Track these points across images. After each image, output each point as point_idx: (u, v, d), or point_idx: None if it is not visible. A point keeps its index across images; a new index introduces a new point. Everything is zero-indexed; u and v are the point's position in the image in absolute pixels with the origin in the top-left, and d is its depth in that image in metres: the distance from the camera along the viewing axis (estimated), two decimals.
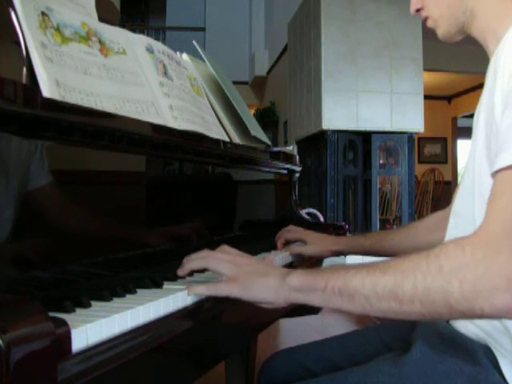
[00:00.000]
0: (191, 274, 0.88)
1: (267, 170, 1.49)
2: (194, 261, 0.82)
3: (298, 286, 0.74)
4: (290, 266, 1.21)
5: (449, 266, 0.61)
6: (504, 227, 0.60)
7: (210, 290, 0.77)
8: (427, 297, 0.61)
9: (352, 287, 0.68)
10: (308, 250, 1.24)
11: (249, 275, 0.78)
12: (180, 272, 0.83)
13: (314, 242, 1.24)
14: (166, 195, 1.01)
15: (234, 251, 0.84)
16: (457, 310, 0.60)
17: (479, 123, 0.79)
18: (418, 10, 0.91)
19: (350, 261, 1.39)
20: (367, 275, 0.67)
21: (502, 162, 0.65)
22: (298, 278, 0.74)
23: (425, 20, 0.91)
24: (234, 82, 1.61)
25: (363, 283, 0.66)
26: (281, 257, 1.18)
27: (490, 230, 0.61)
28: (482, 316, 0.61)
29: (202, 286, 0.77)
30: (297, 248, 1.26)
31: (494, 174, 0.66)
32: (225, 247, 0.85)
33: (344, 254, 1.24)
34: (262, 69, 8.33)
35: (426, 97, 4.61)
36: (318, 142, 4.46)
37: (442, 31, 0.89)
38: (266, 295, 0.76)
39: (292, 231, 1.29)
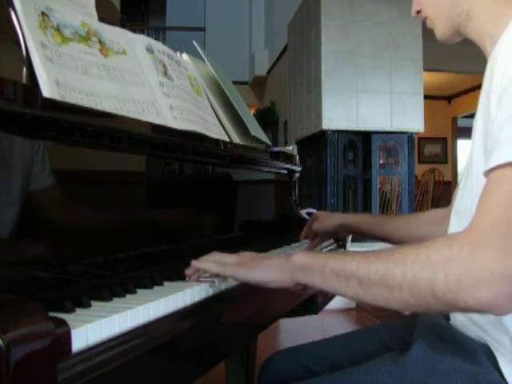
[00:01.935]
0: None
1: (267, 169, 1.49)
2: (205, 263, 0.83)
3: (300, 265, 0.77)
4: None
5: (436, 258, 0.62)
6: (493, 226, 0.61)
7: (217, 268, 0.81)
8: (415, 285, 0.63)
9: (348, 270, 0.70)
10: (316, 225, 1.27)
11: (254, 259, 0.83)
12: (187, 271, 0.83)
13: (323, 217, 1.28)
14: (166, 195, 1.01)
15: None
16: (442, 301, 0.62)
17: (477, 123, 0.80)
18: (418, 12, 0.93)
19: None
20: (362, 260, 0.70)
21: (493, 161, 0.65)
22: (301, 257, 0.78)
23: (425, 20, 0.92)
24: (234, 82, 1.61)
25: (358, 267, 0.69)
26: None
27: (479, 228, 0.62)
28: (465, 309, 0.62)
29: (209, 263, 0.82)
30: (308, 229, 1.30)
31: (486, 173, 0.66)
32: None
33: (350, 229, 1.26)
34: (262, 69, 8.31)
35: (426, 97, 4.60)
36: (318, 142, 4.45)
37: (438, 32, 0.90)
38: (271, 275, 0.79)
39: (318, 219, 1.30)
